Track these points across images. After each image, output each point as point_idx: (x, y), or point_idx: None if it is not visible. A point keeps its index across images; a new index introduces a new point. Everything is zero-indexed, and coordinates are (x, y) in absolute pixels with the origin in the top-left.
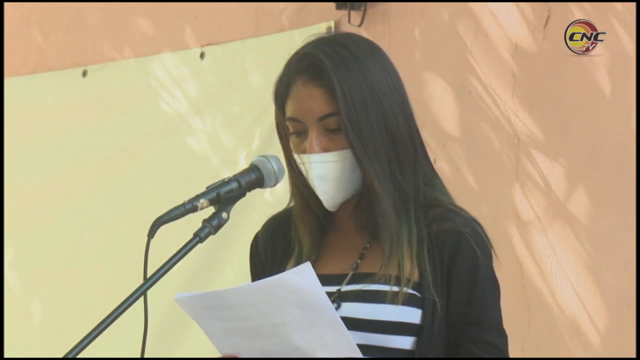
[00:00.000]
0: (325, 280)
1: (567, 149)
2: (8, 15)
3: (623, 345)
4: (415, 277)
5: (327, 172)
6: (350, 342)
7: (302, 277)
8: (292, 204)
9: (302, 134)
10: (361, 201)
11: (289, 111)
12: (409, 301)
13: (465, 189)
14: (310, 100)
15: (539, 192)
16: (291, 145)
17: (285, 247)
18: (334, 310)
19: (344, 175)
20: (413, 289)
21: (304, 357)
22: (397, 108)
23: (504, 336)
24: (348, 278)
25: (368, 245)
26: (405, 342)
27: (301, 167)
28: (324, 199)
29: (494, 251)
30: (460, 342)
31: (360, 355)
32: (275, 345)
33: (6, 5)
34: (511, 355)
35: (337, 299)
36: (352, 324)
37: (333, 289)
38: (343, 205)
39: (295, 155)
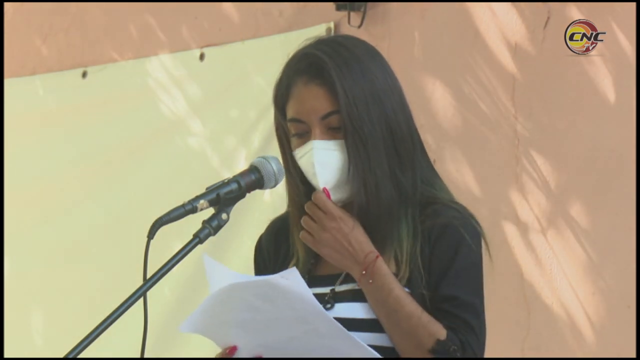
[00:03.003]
0: (321, 281)
1: (566, 150)
2: (8, 16)
3: (623, 346)
4: (407, 273)
5: (329, 160)
6: (344, 331)
7: (289, 282)
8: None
9: (304, 134)
10: (358, 199)
11: (291, 112)
12: None
13: (464, 190)
14: (312, 100)
15: (538, 193)
16: (292, 147)
17: (287, 248)
18: (324, 310)
19: (344, 168)
20: (404, 285)
21: (300, 358)
22: (397, 106)
23: (479, 319)
24: (342, 278)
25: None
26: None
27: (301, 161)
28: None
29: (487, 247)
30: (436, 318)
31: (359, 340)
32: (271, 335)
33: (6, 5)
34: (511, 356)
35: (331, 299)
36: (346, 323)
37: (327, 289)
38: (342, 207)
39: (297, 150)
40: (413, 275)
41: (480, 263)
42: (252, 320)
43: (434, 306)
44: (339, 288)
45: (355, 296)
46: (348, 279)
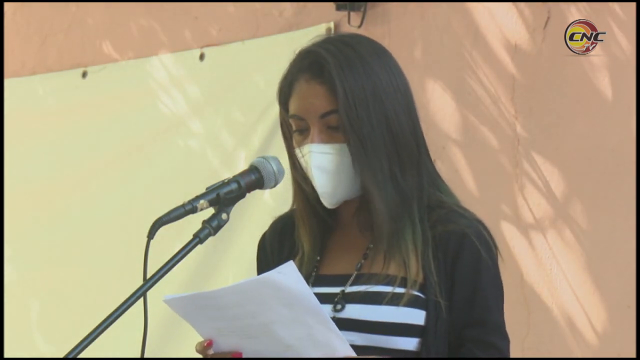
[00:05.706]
0: (329, 280)
1: (566, 151)
2: (8, 16)
3: (623, 346)
4: (420, 278)
5: (326, 164)
6: (341, 338)
7: (287, 276)
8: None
9: (304, 131)
10: (363, 201)
11: (292, 109)
12: (413, 303)
13: (464, 190)
14: (312, 98)
15: (538, 194)
16: (294, 143)
17: (291, 247)
18: (321, 306)
19: (342, 170)
20: (417, 290)
21: (297, 358)
22: (401, 108)
23: (506, 339)
24: (352, 279)
25: (372, 246)
26: (409, 344)
27: (302, 160)
28: (322, 192)
29: (499, 253)
30: (462, 343)
31: (352, 352)
32: (267, 345)
33: (6, 5)
34: (511, 356)
35: (341, 300)
36: (356, 325)
37: (337, 289)
38: (346, 205)
39: (297, 150)
40: (427, 281)
41: (499, 276)
42: (248, 326)
43: (459, 328)
44: (350, 289)
45: (366, 298)
46: (359, 280)
